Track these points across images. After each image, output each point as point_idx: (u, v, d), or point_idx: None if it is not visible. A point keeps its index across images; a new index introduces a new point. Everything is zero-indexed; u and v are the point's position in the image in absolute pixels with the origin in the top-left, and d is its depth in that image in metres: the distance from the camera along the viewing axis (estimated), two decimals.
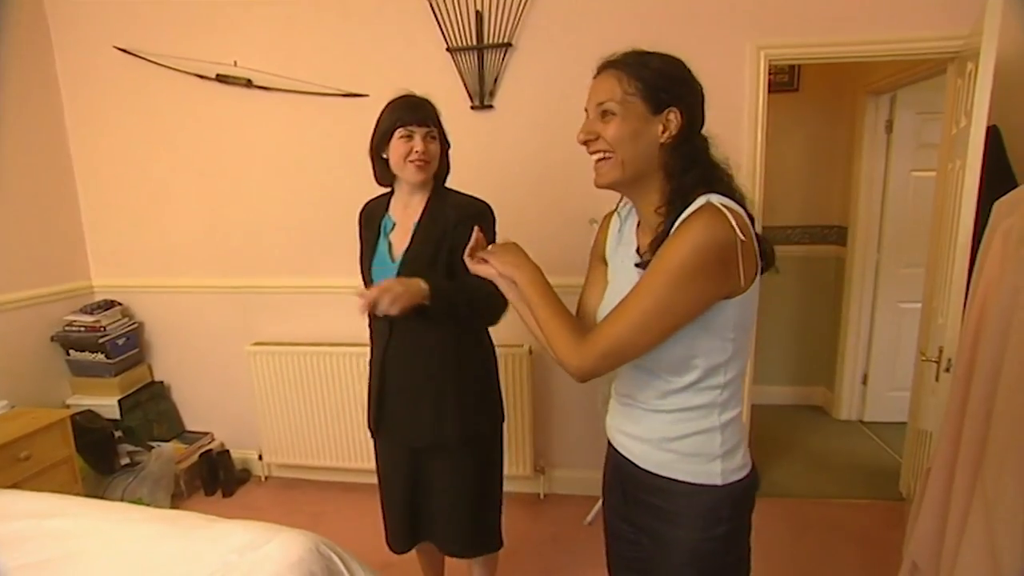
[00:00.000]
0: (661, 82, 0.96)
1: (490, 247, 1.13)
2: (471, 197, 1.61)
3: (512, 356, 2.51)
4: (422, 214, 1.56)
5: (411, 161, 1.49)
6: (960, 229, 1.82)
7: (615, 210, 1.18)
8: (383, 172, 1.58)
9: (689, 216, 0.92)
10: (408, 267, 1.51)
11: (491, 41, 2.40)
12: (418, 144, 1.49)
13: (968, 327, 1.41)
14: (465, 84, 2.46)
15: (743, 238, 0.89)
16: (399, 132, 1.49)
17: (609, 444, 1.20)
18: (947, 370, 1.82)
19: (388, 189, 1.64)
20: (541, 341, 1.05)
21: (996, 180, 1.86)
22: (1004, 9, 1.66)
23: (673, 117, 0.95)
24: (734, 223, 0.89)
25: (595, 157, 1.01)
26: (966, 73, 1.93)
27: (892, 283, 3.30)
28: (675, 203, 0.95)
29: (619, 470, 1.15)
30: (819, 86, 3.38)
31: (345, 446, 2.75)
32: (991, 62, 1.68)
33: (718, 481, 1.01)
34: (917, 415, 2.45)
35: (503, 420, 1.71)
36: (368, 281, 1.60)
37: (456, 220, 1.51)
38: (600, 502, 2.57)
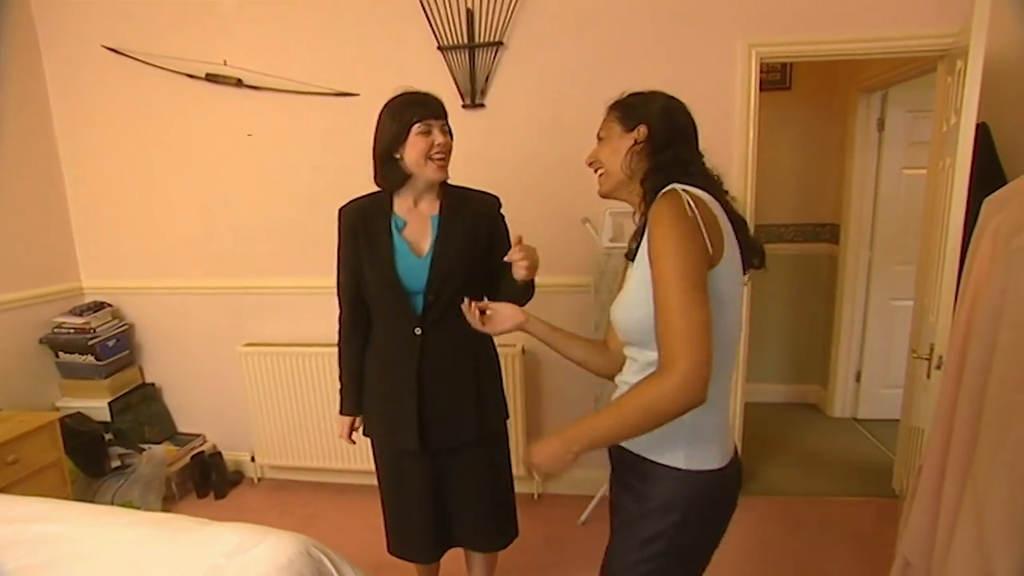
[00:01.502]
0: (632, 108, 1.16)
1: (529, 459, 1.09)
2: (479, 191, 1.63)
3: (505, 356, 2.49)
4: (441, 209, 1.54)
5: (433, 157, 1.44)
6: (950, 226, 1.82)
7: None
8: (392, 173, 1.49)
9: (656, 202, 1.03)
10: (439, 262, 1.50)
11: (482, 40, 2.40)
12: (438, 137, 1.45)
13: (958, 324, 1.41)
14: (456, 83, 2.45)
15: (691, 214, 0.97)
16: (417, 127, 1.43)
17: None
18: (938, 367, 1.82)
19: (378, 190, 1.59)
20: (658, 423, 0.97)
21: (986, 177, 1.86)
22: (992, 6, 1.66)
23: (643, 130, 1.12)
24: (687, 200, 0.98)
25: (597, 173, 1.23)
26: (956, 71, 1.94)
27: (884, 281, 3.31)
28: (650, 196, 1.08)
29: (611, 453, 1.23)
30: (811, 84, 3.39)
31: (338, 447, 2.73)
32: (980, 59, 1.68)
33: (680, 464, 1.06)
34: (910, 412, 2.45)
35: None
36: (385, 280, 1.52)
37: (476, 213, 1.56)
38: (594, 501, 2.58)
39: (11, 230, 2.68)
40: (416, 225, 1.55)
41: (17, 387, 2.67)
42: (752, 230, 1.14)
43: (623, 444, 1.14)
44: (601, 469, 2.53)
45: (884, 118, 3.15)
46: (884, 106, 3.14)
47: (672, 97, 1.17)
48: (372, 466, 1.73)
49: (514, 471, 1.79)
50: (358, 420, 1.71)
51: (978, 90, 1.71)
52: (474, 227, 1.54)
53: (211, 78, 2.62)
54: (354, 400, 1.68)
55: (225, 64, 2.60)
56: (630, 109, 1.15)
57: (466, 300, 1.35)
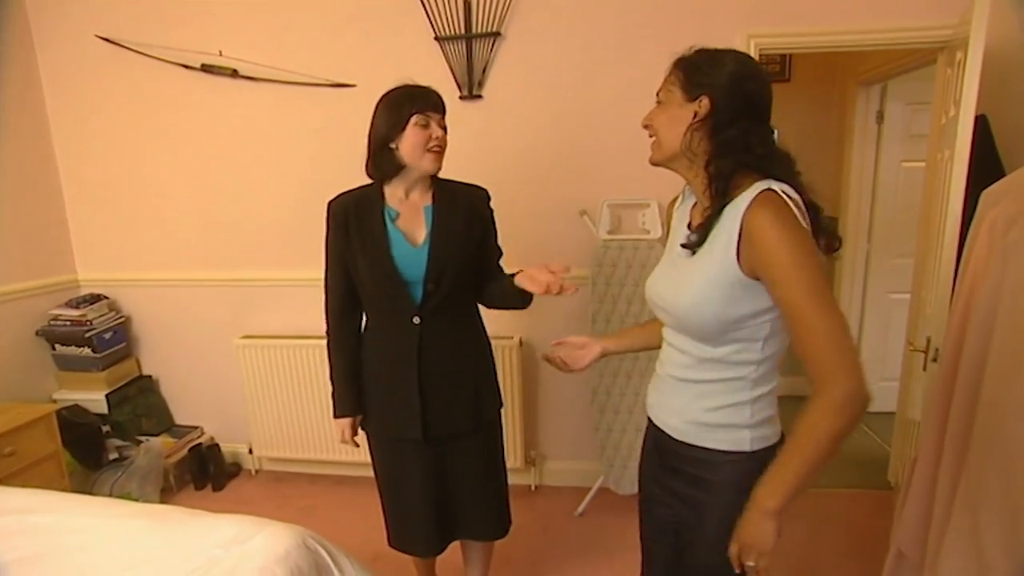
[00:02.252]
0: (698, 73, 1.03)
1: (738, 547, 1.04)
2: (469, 184, 1.64)
3: (503, 347, 2.50)
4: (434, 199, 1.55)
5: (430, 149, 1.46)
6: (948, 219, 1.82)
7: (678, 196, 1.24)
8: (387, 163, 1.48)
9: (755, 206, 0.95)
10: (437, 250, 1.50)
11: (480, 30, 2.38)
12: (436, 131, 1.46)
13: (955, 317, 1.42)
14: (454, 74, 2.44)
15: (803, 222, 0.96)
16: (416, 119, 1.44)
17: (648, 418, 1.26)
18: (934, 360, 1.83)
19: (370, 182, 1.58)
20: (840, 445, 0.96)
21: (984, 170, 1.86)
22: None
23: (705, 103, 1.01)
24: (795, 211, 0.95)
25: (650, 139, 1.11)
26: (955, 62, 1.93)
27: (882, 274, 3.31)
28: (718, 184, 1.01)
29: (658, 443, 1.22)
30: (811, 76, 3.38)
31: (336, 439, 2.72)
32: (979, 51, 1.67)
33: (747, 448, 1.08)
34: (906, 405, 2.46)
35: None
36: (382, 270, 1.51)
37: (468, 204, 1.57)
38: (591, 493, 2.59)
39: (6, 222, 2.66)
40: (409, 215, 1.55)
41: (13, 379, 2.66)
42: None
43: (681, 438, 1.14)
44: (596, 461, 2.55)
45: (883, 110, 3.14)
46: (883, 98, 3.12)
47: (746, 59, 1.04)
48: (370, 458, 1.73)
49: (508, 462, 1.81)
50: (357, 420, 1.68)
51: (977, 81, 1.70)
52: (467, 218, 1.55)
53: (206, 69, 2.60)
54: (352, 400, 1.64)
55: (221, 55, 2.57)
56: (695, 72, 1.03)
57: (549, 352, 1.40)
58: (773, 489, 0.98)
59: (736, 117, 1.00)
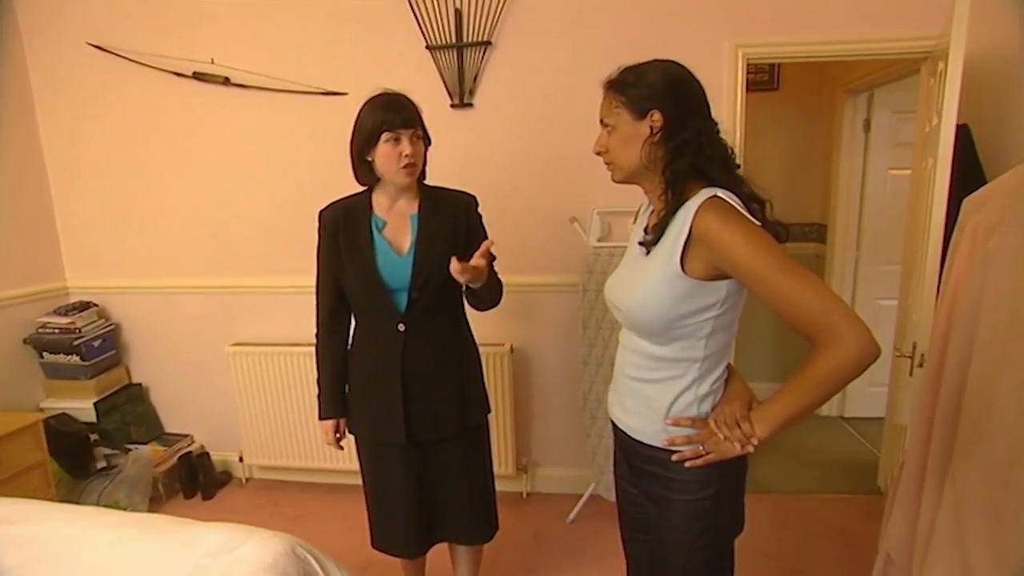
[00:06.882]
0: (641, 91, 1.07)
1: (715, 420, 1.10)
2: (456, 191, 1.66)
3: (493, 355, 2.50)
4: (420, 208, 1.57)
5: (402, 166, 1.48)
6: (932, 226, 1.84)
7: (640, 207, 1.30)
8: (367, 174, 1.55)
9: (703, 211, 1.01)
10: (421, 259, 1.53)
11: (470, 39, 2.40)
12: (406, 147, 1.48)
13: (939, 322, 1.43)
14: (445, 82, 2.45)
15: (747, 216, 1.02)
16: (385, 136, 1.46)
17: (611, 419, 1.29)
18: (920, 365, 1.84)
19: (363, 189, 1.61)
20: (843, 385, 1.03)
21: (967, 178, 1.88)
22: (973, 9, 1.68)
23: (657, 117, 1.06)
24: (741, 210, 1.02)
25: (607, 164, 1.17)
26: (937, 72, 1.96)
27: (871, 280, 3.34)
28: (673, 187, 1.07)
29: (621, 443, 1.27)
30: (798, 85, 3.41)
31: (327, 447, 2.71)
32: (959, 61, 1.70)
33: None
34: (894, 410, 2.48)
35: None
36: (368, 278, 1.53)
37: (454, 212, 1.59)
38: (582, 500, 2.58)
39: None
40: (396, 224, 1.58)
41: (0, 388, 2.63)
42: None
43: (638, 437, 1.18)
44: (588, 468, 2.55)
45: (870, 119, 3.18)
46: (870, 107, 3.16)
47: (672, 64, 1.09)
48: (358, 462, 1.74)
49: (496, 467, 1.82)
50: (342, 423, 1.70)
51: (958, 91, 1.72)
52: (453, 225, 1.58)
53: (198, 76, 2.60)
54: (335, 403, 1.68)
55: (212, 62, 2.58)
56: (633, 91, 1.08)
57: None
58: (769, 421, 1.06)
59: (686, 120, 1.06)
